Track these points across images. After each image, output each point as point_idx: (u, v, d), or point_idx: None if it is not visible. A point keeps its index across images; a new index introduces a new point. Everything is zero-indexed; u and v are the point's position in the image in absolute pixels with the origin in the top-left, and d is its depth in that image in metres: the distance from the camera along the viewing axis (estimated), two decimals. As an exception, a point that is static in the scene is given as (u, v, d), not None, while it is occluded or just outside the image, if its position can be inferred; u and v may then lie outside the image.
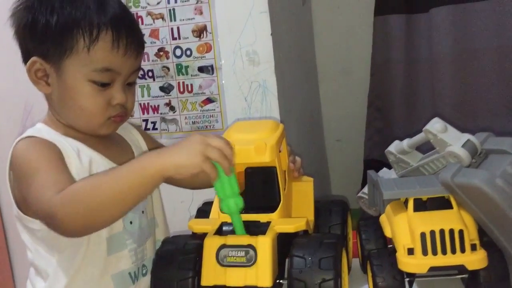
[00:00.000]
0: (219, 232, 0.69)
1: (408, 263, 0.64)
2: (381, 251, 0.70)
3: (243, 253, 0.64)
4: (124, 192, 0.63)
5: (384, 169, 0.88)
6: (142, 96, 1.41)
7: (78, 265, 0.75)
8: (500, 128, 1.80)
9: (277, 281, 0.66)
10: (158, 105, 1.41)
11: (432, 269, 0.63)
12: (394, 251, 0.68)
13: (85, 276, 0.76)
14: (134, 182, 0.63)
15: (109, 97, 0.76)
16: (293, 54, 1.63)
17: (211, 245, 0.65)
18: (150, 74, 1.39)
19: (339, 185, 2.21)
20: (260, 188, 0.74)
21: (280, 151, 0.75)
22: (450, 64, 1.82)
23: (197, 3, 1.33)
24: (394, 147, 0.78)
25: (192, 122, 1.40)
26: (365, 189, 0.89)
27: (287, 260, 0.66)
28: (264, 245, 0.64)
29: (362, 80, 2.03)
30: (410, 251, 0.64)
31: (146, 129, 1.43)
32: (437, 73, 1.85)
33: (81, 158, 0.76)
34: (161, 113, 1.41)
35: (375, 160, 2.03)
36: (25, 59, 0.77)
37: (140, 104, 1.42)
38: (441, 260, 0.63)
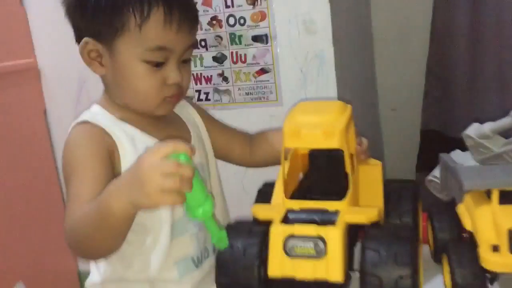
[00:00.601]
0: (285, 220, 0.65)
1: (492, 261, 0.59)
2: (460, 245, 0.64)
3: (312, 245, 0.60)
4: (102, 230, 0.61)
5: (458, 151, 0.82)
6: (195, 66, 1.38)
7: (141, 252, 0.74)
8: None
9: (348, 273, 0.62)
10: (211, 76, 1.38)
11: (519, 268, 0.58)
12: (474, 245, 0.62)
13: (149, 263, 0.74)
14: (103, 223, 0.61)
15: (164, 77, 0.73)
16: (350, 21, 1.55)
17: (277, 234, 0.61)
18: (202, 43, 1.35)
19: (394, 157, 2.14)
20: (327, 173, 0.70)
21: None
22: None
23: (251, -32, 1.27)
24: (473, 131, 0.71)
25: (246, 93, 1.36)
26: (436, 172, 0.83)
27: (355, 250, 0.63)
28: (335, 237, 0.60)
29: (421, 46, 1.93)
30: (495, 248, 0.59)
31: (199, 100, 1.40)
32: (506, 39, 1.72)
33: (137, 146, 0.74)
34: (214, 84, 1.38)
35: (433, 131, 1.95)
36: (78, 39, 0.75)
37: (192, 74, 1.39)
38: (531, 260, 0.57)
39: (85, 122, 0.74)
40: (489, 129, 0.70)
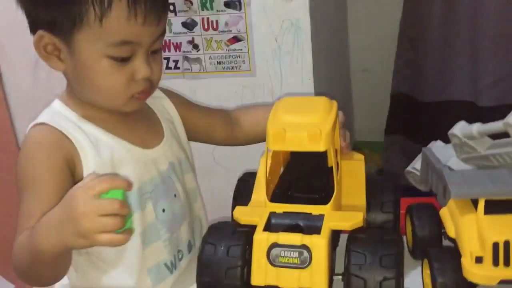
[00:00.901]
0: (268, 225, 0.63)
1: (475, 274, 0.58)
2: (443, 252, 0.64)
3: (296, 254, 0.59)
4: (36, 266, 0.60)
5: (439, 142, 0.80)
6: (163, 31, 1.30)
7: (110, 262, 0.71)
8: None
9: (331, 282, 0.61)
10: (181, 43, 1.30)
11: (502, 281, 0.58)
12: (457, 253, 0.62)
13: (119, 272, 0.71)
14: (35, 262, 0.59)
15: (131, 72, 0.66)
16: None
17: (261, 243, 0.60)
18: (171, 8, 1.26)
19: (364, 118, 2.14)
20: (309, 168, 0.68)
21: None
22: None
23: None
24: (459, 130, 0.69)
25: (217, 62, 1.29)
26: (416, 165, 0.81)
27: (339, 254, 0.62)
28: (320, 247, 0.59)
29: (395, 7, 1.88)
30: (479, 260, 0.59)
31: (168, 68, 1.33)
32: (480, 2, 1.69)
33: (101, 151, 0.68)
34: (183, 52, 1.31)
35: (404, 94, 1.94)
36: (32, 30, 0.67)
37: (160, 40, 1.31)
38: (514, 273, 0.57)
39: (43, 125, 0.68)
40: (477, 130, 0.67)
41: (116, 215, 0.52)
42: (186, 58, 1.31)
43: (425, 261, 0.65)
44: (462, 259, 0.60)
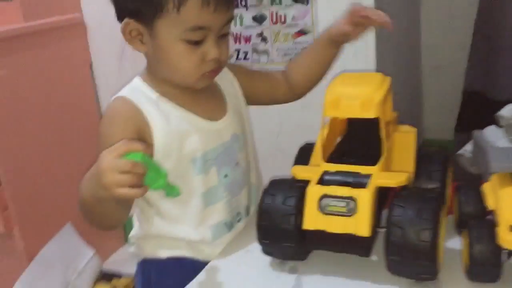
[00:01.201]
0: (321, 181, 0.70)
1: (509, 241, 0.61)
2: (481, 223, 0.67)
3: (344, 204, 0.66)
4: (88, 211, 0.72)
5: (492, 127, 0.82)
6: (235, 25, 1.39)
7: (175, 216, 0.80)
8: None
9: (376, 231, 0.68)
10: (250, 35, 1.39)
11: (536, 249, 0.60)
12: (494, 223, 0.64)
13: (184, 225, 0.80)
14: (85, 206, 0.71)
15: (203, 53, 0.75)
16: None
17: (313, 194, 0.67)
18: (243, 3, 1.36)
19: (434, 116, 2.12)
20: (363, 139, 0.74)
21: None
22: None
23: None
24: (507, 111, 0.72)
25: (284, 54, 1.37)
26: (468, 147, 0.84)
27: (383, 211, 0.68)
28: (365, 198, 0.65)
29: (470, 4, 1.85)
30: (513, 229, 0.61)
31: (238, 59, 1.42)
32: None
33: (171, 122, 0.78)
34: (252, 44, 1.39)
35: (476, 92, 1.90)
36: (119, 17, 0.77)
37: (232, 34, 1.40)
38: (547, 242, 0.59)
39: (122, 98, 0.78)
40: (522, 110, 0.70)
41: (133, 173, 0.62)
42: (255, 50, 1.40)
43: (465, 232, 0.68)
44: (498, 228, 0.63)
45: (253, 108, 1.46)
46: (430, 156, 0.79)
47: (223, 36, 0.77)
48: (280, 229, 0.69)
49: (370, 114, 0.68)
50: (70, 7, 1.59)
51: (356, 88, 0.71)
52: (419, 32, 2.04)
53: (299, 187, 0.70)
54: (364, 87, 0.71)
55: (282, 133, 1.44)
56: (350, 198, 0.65)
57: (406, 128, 0.81)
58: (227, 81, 0.88)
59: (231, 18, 0.77)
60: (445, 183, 0.77)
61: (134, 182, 0.63)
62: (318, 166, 0.72)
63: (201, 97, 0.82)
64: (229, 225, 0.83)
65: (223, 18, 0.75)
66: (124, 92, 0.80)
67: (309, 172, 0.71)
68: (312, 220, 0.67)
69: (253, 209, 0.87)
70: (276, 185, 0.72)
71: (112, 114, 0.79)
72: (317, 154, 0.75)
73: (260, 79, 0.94)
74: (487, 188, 0.69)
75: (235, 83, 0.89)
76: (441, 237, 0.67)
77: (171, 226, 0.81)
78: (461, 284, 0.67)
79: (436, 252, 0.63)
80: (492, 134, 0.78)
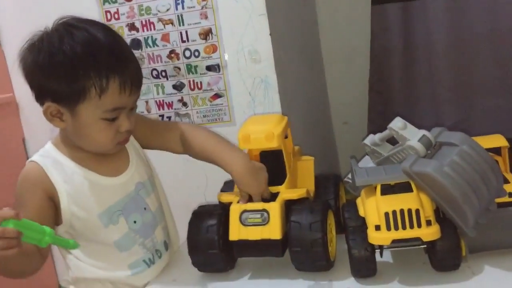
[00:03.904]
0: None
1: (375, 237, 0.78)
2: (356, 228, 0.83)
3: (259, 215, 0.84)
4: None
5: (366, 157, 1.02)
6: (158, 94, 1.57)
7: (95, 262, 0.90)
8: (495, 107, 1.90)
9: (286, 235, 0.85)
10: (172, 102, 1.56)
11: (394, 241, 0.77)
12: (366, 227, 0.82)
13: (105, 271, 0.91)
14: None
15: (118, 126, 0.86)
16: (294, 49, 1.76)
17: (235, 210, 0.86)
18: (163, 74, 1.54)
19: (347, 164, 2.33)
20: (272, 167, 0.93)
21: (286, 137, 0.96)
22: (446, 49, 1.92)
23: (202, 8, 1.46)
24: (368, 140, 0.91)
25: (203, 115, 1.55)
26: (349, 175, 1.02)
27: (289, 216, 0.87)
28: (275, 209, 0.85)
29: (365, 66, 2.13)
30: (377, 227, 0.78)
31: (162, 123, 1.57)
32: (434, 58, 1.95)
33: (75, 183, 0.88)
34: (175, 109, 1.57)
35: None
36: (38, 98, 0.86)
37: (156, 101, 1.58)
38: (401, 234, 0.76)
39: (32, 164, 0.88)
40: (378, 138, 0.90)
41: (5, 238, 0.70)
42: (177, 114, 1.57)
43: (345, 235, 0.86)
44: (368, 230, 0.80)
45: (181, 165, 1.60)
46: (325, 178, 1.02)
47: (132, 109, 0.89)
48: (207, 240, 0.86)
49: (273, 144, 0.89)
50: (2, 88, 1.70)
51: (261, 125, 0.92)
52: (326, 91, 2.31)
53: (223, 206, 0.88)
54: (267, 125, 0.92)
55: (208, 186, 1.59)
56: (264, 210, 0.84)
57: (306, 157, 1.03)
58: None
59: (139, 96, 0.90)
60: (338, 196, 0.99)
61: (6, 245, 0.70)
62: (238, 191, 0.91)
63: (105, 156, 0.92)
64: (149, 262, 0.94)
65: (135, 98, 0.88)
66: (36, 157, 0.90)
67: (231, 196, 0.90)
68: (236, 231, 0.85)
69: (173, 241, 1.00)
70: (205, 207, 0.91)
71: (23, 179, 0.89)
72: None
73: (151, 134, 1.01)
74: (359, 201, 0.87)
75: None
76: (331, 233, 0.87)
77: (94, 270, 0.91)
78: (349, 281, 0.83)
79: (326, 241, 0.82)
80: (364, 161, 0.98)
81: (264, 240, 0.83)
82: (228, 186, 0.99)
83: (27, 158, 1.75)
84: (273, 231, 0.83)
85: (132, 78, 0.85)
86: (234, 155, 0.91)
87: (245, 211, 0.85)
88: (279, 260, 0.86)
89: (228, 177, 1.03)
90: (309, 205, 0.87)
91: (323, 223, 0.83)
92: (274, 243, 0.84)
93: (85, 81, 0.81)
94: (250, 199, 0.89)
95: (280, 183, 0.90)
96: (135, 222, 0.92)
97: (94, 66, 0.81)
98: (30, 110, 1.73)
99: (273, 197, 0.88)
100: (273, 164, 0.92)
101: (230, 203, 0.88)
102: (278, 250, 0.85)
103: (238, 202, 0.88)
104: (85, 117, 0.84)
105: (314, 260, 0.83)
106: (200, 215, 0.89)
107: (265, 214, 0.84)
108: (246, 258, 0.90)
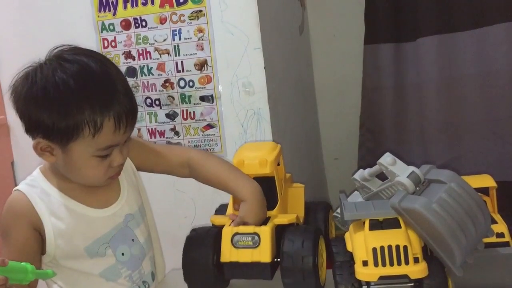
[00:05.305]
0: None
1: (362, 273, 0.78)
2: (343, 263, 0.83)
3: (250, 239, 0.86)
4: None
5: (356, 192, 1.02)
6: (150, 122, 1.57)
7: None
8: (484, 149, 1.93)
9: (275, 259, 0.87)
10: (164, 130, 1.57)
11: (382, 278, 0.76)
12: (353, 263, 0.81)
13: None
14: None
15: (110, 161, 0.84)
16: (288, 83, 1.78)
17: (227, 233, 0.88)
18: (157, 102, 1.55)
19: (337, 199, 2.33)
20: (264, 192, 0.94)
21: (278, 165, 0.98)
22: (436, 89, 1.96)
23: (198, 40, 1.49)
24: (358, 175, 0.92)
25: (195, 145, 1.55)
26: (338, 210, 1.02)
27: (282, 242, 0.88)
28: (266, 233, 0.86)
29: (357, 103, 2.17)
30: (365, 263, 0.78)
31: (153, 152, 1.57)
32: (424, 98, 1.98)
33: (61, 215, 0.86)
34: (167, 138, 1.57)
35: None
36: (29, 131, 0.83)
37: (148, 129, 1.58)
38: (388, 271, 0.76)
39: (19, 194, 0.86)
40: (367, 173, 0.90)
41: None
42: (169, 143, 1.57)
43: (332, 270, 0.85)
44: (355, 265, 0.80)
45: (170, 195, 1.59)
46: (316, 204, 1.05)
47: (124, 143, 0.86)
48: (202, 264, 0.87)
49: (266, 170, 0.92)
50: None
51: (255, 152, 0.96)
52: (317, 126, 2.33)
53: (216, 229, 0.90)
54: (260, 152, 0.95)
55: (197, 216, 1.58)
56: (255, 234, 0.86)
57: (297, 185, 1.06)
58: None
59: (134, 129, 0.88)
60: (328, 224, 1.01)
61: None
62: (230, 214, 0.93)
63: (95, 187, 0.89)
64: None
65: (128, 134, 0.86)
66: (23, 187, 0.88)
67: (223, 219, 0.92)
68: (227, 253, 0.86)
69: (159, 271, 0.98)
70: (199, 229, 0.92)
71: (9, 209, 0.87)
72: (230, 206, 0.96)
73: (155, 160, 0.99)
74: (347, 236, 0.86)
75: (129, 161, 0.96)
76: (322, 259, 0.88)
77: None
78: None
79: (317, 270, 0.84)
80: (354, 197, 0.98)
81: (254, 262, 0.85)
82: (221, 209, 1.02)
83: (15, 181, 1.77)
84: (263, 254, 0.85)
85: (127, 115, 0.82)
86: (248, 184, 0.92)
87: (236, 233, 0.87)
88: (271, 282, 0.88)
89: (216, 206, 1.05)
90: (301, 228, 0.89)
91: (314, 252, 0.84)
92: (264, 266, 0.85)
93: (78, 119, 0.79)
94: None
95: (272, 208, 0.93)
96: (123, 254, 0.91)
97: (88, 104, 0.79)
98: (21, 133, 1.71)
99: (264, 221, 0.90)
100: (265, 190, 0.94)
101: (222, 226, 0.90)
102: (267, 273, 0.86)
103: (230, 225, 0.90)
104: (77, 155, 0.82)
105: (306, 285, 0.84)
106: (196, 237, 0.91)
107: (256, 237, 0.86)
108: (238, 280, 0.92)
